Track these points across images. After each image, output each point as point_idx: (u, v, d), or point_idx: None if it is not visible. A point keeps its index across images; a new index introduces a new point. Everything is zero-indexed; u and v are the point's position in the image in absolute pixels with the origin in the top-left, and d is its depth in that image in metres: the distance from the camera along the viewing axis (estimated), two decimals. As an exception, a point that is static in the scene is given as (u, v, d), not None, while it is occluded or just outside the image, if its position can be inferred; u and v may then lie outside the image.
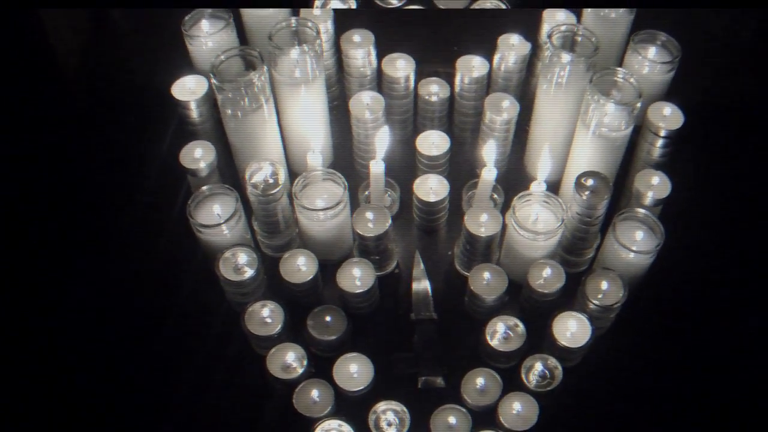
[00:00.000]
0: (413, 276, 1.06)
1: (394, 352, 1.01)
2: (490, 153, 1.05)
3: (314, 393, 0.94)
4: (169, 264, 1.11)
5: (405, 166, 1.15)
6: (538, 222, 1.01)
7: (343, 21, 1.17)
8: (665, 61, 1.08)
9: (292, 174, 1.11)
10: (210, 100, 1.10)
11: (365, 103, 1.12)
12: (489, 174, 1.05)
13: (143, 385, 1.03)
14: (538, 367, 0.96)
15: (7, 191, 1.17)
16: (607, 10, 1.11)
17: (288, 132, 1.12)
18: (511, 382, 0.96)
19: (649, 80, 1.07)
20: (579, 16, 1.15)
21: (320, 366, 0.97)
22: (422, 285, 1.05)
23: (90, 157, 1.23)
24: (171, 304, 1.08)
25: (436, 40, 1.23)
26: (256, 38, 1.14)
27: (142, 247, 1.12)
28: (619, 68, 1.04)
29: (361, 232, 1.01)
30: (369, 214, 1.02)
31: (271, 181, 1.01)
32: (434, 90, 1.17)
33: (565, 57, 1.02)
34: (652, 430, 1.02)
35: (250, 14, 1.13)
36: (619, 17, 1.11)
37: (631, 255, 0.98)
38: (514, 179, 1.16)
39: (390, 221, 1.01)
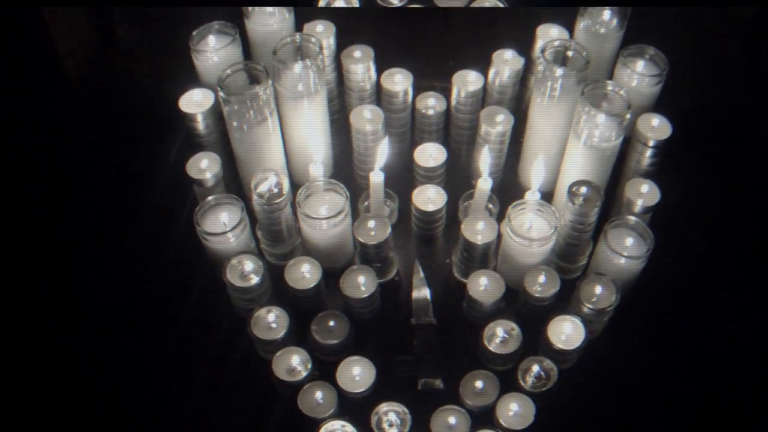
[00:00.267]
0: (413, 284, 1.06)
1: (395, 356, 1.01)
2: (485, 164, 1.06)
3: (318, 395, 0.95)
4: (176, 271, 1.11)
5: (403, 178, 1.15)
6: (532, 230, 1.02)
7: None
8: (653, 74, 1.09)
9: (294, 184, 1.11)
10: (216, 113, 1.10)
11: (365, 117, 1.12)
12: (485, 184, 1.06)
13: (153, 387, 1.04)
14: (534, 368, 0.97)
15: (16, 201, 1.19)
16: (597, 26, 1.11)
17: (291, 144, 1.13)
18: (509, 384, 0.96)
19: (638, 92, 1.08)
20: (571, 32, 1.16)
21: (324, 369, 0.98)
22: (422, 293, 1.05)
23: (100, 168, 1.24)
24: (179, 309, 1.08)
25: (434, 55, 1.24)
26: (260, 53, 1.15)
27: (151, 254, 1.13)
28: (609, 81, 1.05)
29: (362, 240, 1.02)
30: (370, 223, 1.03)
31: (275, 190, 1.02)
32: (431, 104, 1.17)
33: (558, 71, 1.03)
34: (645, 429, 1.03)
35: (255, 30, 1.14)
36: (610, 33, 1.12)
37: (623, 260, 0.99)
38: (508, 189, 1.17)
39: (390, 229, 1.02)
